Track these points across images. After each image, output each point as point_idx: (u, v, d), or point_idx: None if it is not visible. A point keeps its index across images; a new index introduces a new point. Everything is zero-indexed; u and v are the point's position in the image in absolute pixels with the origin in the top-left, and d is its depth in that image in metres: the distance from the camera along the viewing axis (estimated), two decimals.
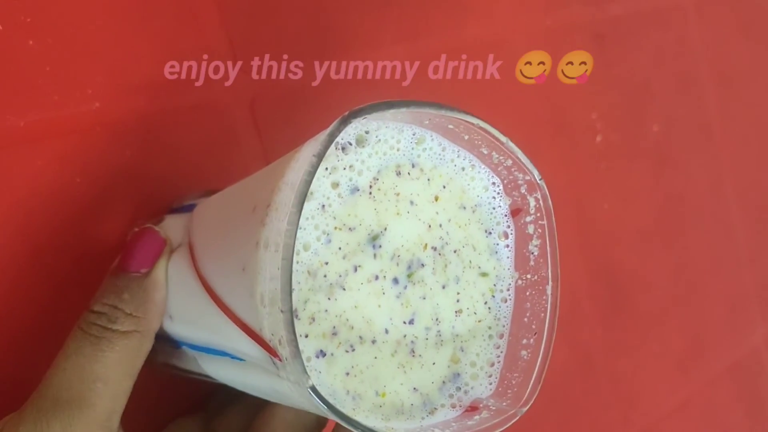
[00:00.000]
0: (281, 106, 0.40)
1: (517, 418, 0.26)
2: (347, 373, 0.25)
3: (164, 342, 0.31)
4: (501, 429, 0.25)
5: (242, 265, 0.24)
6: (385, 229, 0.26)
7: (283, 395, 0.25)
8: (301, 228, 0.24)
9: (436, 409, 0.27)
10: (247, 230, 0.24)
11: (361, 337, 0.26)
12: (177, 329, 0.31)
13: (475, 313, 0.28)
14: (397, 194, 0.26)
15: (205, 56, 0.37)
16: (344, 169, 0.25)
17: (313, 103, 0.41)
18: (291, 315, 0.21)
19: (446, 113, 0.24)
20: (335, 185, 0.25)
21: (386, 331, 0.26)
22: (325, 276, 0.25)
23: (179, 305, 0.30)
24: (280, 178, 0.24)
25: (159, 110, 0.36)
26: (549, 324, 0.27)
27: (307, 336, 0.24)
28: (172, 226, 0.31)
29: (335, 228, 0.25)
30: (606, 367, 0.54)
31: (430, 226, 0.27)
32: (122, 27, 0.35)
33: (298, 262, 0.24)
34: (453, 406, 0.27)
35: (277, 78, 0.39)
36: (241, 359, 0.26)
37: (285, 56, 0.40)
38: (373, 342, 0.26)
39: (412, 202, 0.27)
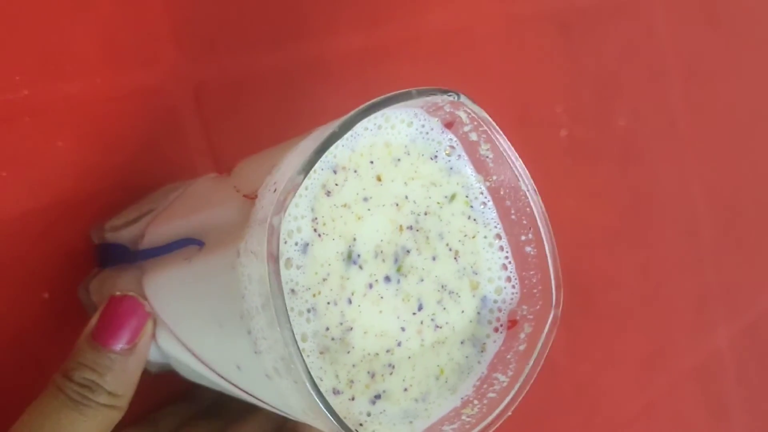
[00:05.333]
0: (229, 95, 0.38)
1: (558, 321, 0.28)
2: (405, 389, 0.27)
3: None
4: (551, 338, 0.28)
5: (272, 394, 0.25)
6: (355, 239, 0.26)
7: None
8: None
9: (484, 343, 0.29)
10: (243, 356, 0.25)
11: (388, 351, 0.27)
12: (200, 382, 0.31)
13: (465, 236, 0.29)
14: (345, 205, 0.26)
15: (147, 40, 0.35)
16: (285, 242, 0.25)
17: (265, 93, 0.39)
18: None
19: (346, 123, 0.24)
20: (289, 263, 0.25)
21: (402, 330, 0.27)
22: (333, 339, 0.26)
23: (194, 376, 0.31)
24: (239, 299, 0.24)
25: (94, 98, 0.34)
26: (539, 216, 0.28)
27: (353, 399, 0.26)
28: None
29: (314, 295, 0.25)
30: (569, 371, 0.54)
31: (397, 205, 0.27)
32: (54, 3, 0.33)
33: (308, 356, 0.25)
34: (496, 330, 0.29)
35: (224, 66, 0.38)
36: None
37: (231, 45, 0.38)
38: (399, 345, 0.27)
39: (365, 199, 0.26)
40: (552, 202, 0.30)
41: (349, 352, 0.26)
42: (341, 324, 0.26)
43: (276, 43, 0.40)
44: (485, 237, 0.29)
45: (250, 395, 0.27)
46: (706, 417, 0.68)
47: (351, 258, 0.26)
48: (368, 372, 0.26)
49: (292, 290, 0.25)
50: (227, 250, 0.24)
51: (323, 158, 0.25)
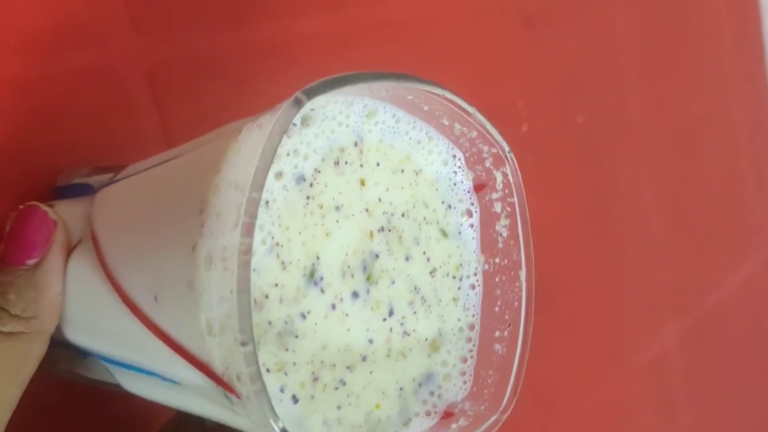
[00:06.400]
0: (184, 77, 0.36)
1: (499, 426, 0.25)
2: (339, 407, 0.24)
3: (64, 348, 0.28)
4: None
5: (182, 281, 0.21)
6: (318, 258, 0.23)
7: (234, 425, 0.23)
8: None
9: (410, 419, 0.25)
10: (181, 237, 0.21)
11: (348, 367, 0.24)
12: (81, 339, 0.27)
13: (449, 275, 0.26)
14: (321, 206, 0.24)
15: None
16: (288, 155, 0.23)
17: (222, 75, 0.37)
18: (254, 348, 0.19)
19: (409, 84, 0.22)
20: (279, 176, 0.23)
21: (371, 342, 0.24)
22: (270, 323, 0.22)
23: (85, 314, 0.27)
24: (215, 174, 0.21)
25: (39, 75, 0.32)
26: (525, 315, 0.26)
27: (267, 370, 0.23)
28: (67, 215, 0.27)
29: (277, 244, 0.22)
30: (527, 371, 0.53)
31: (367, 210, 0.25)
32: None
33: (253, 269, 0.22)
34: (428, 414, 0.26)
35: (180, 46, 0.35)
36: (175, 382, 0.24)
37: (189, 24, 0.36)
38: (364, 359, 0.24)
39: (337, 208, 0.24)
40: None
41: (287, 350, 0.23)
42: (286, 324, 0.23)
43: (236, 23, 0.38)
44: (459, 320, 0.26)
45: (160, 331, 0.23)
46: (653, 415, 0.68)
47: (313, 278, 0.23)
48: (312, 373, 0.23)
49: (267, 202, 0.22)
50: (228, 136, 0.22)
51: (358, 126, 0.24)
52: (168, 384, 0.24)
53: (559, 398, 0.57)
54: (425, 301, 0.26)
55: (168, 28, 0.36)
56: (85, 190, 0.29)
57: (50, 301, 0.25)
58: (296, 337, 0.23)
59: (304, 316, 0.23)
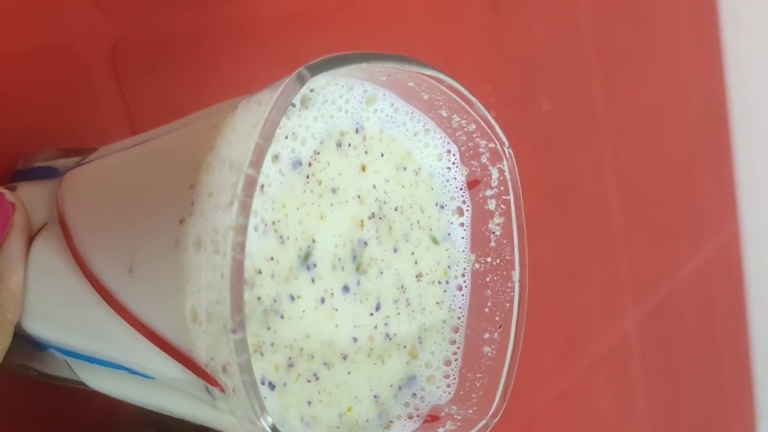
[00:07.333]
0: (148, 57, 0.35)
1: (488, 430, 0.24)
2: (309, 402, 0.22)
3: (18, 339, 0.26)
4: None
5: (167, 242, 0.20)
6: (314, 241, 0.23)
7: (214, 424, 0.21)
8: None
9: (392, 422, 0.25)
10: (168, 209, 0.20)
11: (326, 363, 0.23)
12: (39, 329, 0.26)
13: (435, 281, 0.26)
14: (320, 182, 0.23)
15: None
16: (286, 138, 0.22)
17: (188, 55, 0.36)
18: (245, 337, 0.18)
19: (414, 68, 0.21)
20: (276, 159, 0.22)
21: (355, 340, 0.23)
22: (259, 298, 0.21)
23: (46, 301, 0.25)
24: (208, 151, 0.20)
25: None
26: (517, 316, 0.25)
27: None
28: (28, 198, 0.26)
29: (272, 222, 0.21)
30: None
31: (359, 197, 0.24)
32: None
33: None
34: (410, 417, 0.25)
35: (144, 24, 0.34)
36: (147, 376, 0.22)
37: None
38: (345, 358, 0.23)
39: (333, 190, 0.23)
40: None
41: (269, 329, 0.22)
42: (275, 302, 0.22)
43: (202, 1, 0.36)
44: (444, 321, 0.26)
45: (131, 315, 0.22)
46: (613, 402, 0.69)
47: (306, 262, 0.22)
48: (289, 359, 0.22)
49: (262, 186, 0.21)
50: (222, 113, 0.21)
51: (358, 113, 0.23)
52: (137, 378, 0.23)
53: (522, 389, 0.57)
54: (410, 304, 0.25)
55: (131, 5, 0.34)
56: (49, 173, 0.28)
57: (11, 290, 0.24)
58: (281, 317, 0.22)
59: (293, 298, 0.22)
